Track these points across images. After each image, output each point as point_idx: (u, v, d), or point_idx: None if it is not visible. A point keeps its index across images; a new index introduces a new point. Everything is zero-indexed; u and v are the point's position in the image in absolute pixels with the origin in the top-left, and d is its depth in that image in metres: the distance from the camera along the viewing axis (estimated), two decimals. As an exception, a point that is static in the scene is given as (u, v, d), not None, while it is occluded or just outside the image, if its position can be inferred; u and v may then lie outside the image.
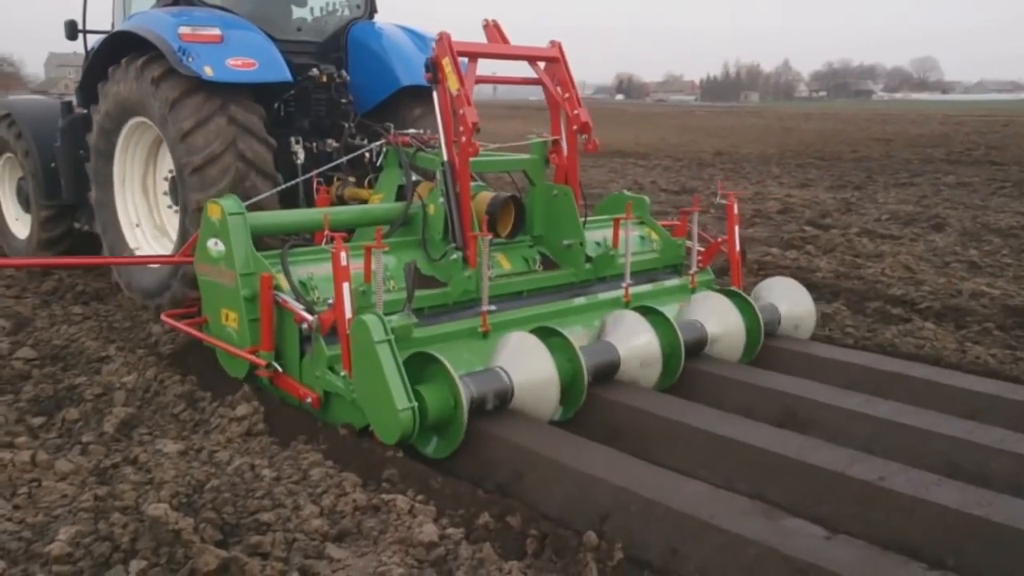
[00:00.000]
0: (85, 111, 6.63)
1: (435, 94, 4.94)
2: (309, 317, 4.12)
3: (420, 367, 3.96)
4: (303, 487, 3.55)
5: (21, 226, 8.03)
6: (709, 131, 37.99)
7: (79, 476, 3.65)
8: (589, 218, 5.61)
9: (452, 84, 4.78)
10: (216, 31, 5.57)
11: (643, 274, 5.74)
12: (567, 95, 5.28)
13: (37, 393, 4.67)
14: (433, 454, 3.93)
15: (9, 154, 7.88)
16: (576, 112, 5.22)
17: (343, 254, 3.91)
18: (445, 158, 4.88)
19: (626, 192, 6.43)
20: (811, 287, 7.29)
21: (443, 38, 4.84)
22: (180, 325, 4.88)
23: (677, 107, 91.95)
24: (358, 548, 3.12)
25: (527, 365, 4.12)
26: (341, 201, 5.93)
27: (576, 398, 4.28)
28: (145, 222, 6.40)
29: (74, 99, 7.05)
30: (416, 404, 3.71)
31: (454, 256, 4.81)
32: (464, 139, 4.75)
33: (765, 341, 5.21)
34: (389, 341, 3.78)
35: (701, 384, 4.76)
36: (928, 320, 6.48)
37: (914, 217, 11.80)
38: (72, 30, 7.18)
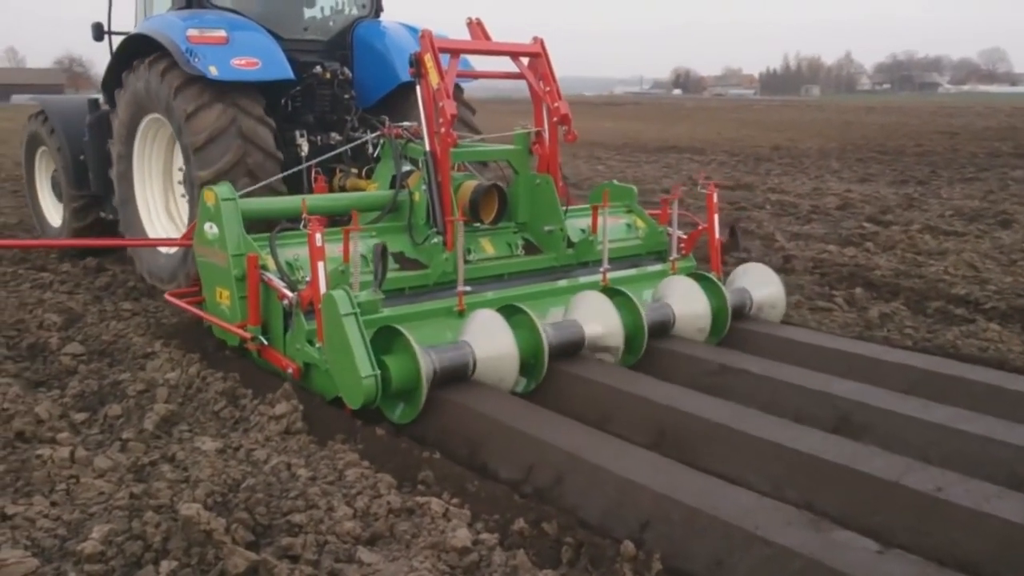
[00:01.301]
0: (109, 108, 7.04)
1: (418, 88, 5.27)
2: (290, 294, 4.46)
3: (388, 340, 4.22)
4: (338, 487, 3.50)
5: (56, 214, 8.61)
6: (767, 125, 37.30)
7: (117, 473, 3.65)
8: (577, 207, 5.98)
9: (433, 79, 5.11)
10: (222, 33, 5.95)
11: (627, 260, 5.98)
12: (548, 88, 5.59)
13: (82, 388, 4.71)
14: (398, 419, 4.19)
15: (44, 148, 8.38)
16: (556, 104, 5.51)
17: (318, 235, 4.26)
18: (427, 148, 5.21)
19: (615, 181, 6.65)
20: (869, 286, 7.10)
21: (425, 35, 5.20)
22: (182, 303, 5.28)
23: (735, 101, 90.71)
24: (389, 552, 3.05)
25: (490, 339, 4.38)
26: (343, 190, 6.33)
27: (538, 371, 4.51)
28: (163, 214, 6.81)
29: (100, 97, 7.41)
30: (379, 372, 3.99)
31: (435, 240, 5.11)
32: (444, 130, 5.07)
33: (738, 324, 5.42)
34: (355, 314, 4.07)
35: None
36: (993, 321, 6.20)
37: (980, 213, 11.36)
38: (99, 32, 7.58)
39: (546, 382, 4.56)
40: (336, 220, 5.52)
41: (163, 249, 6.43)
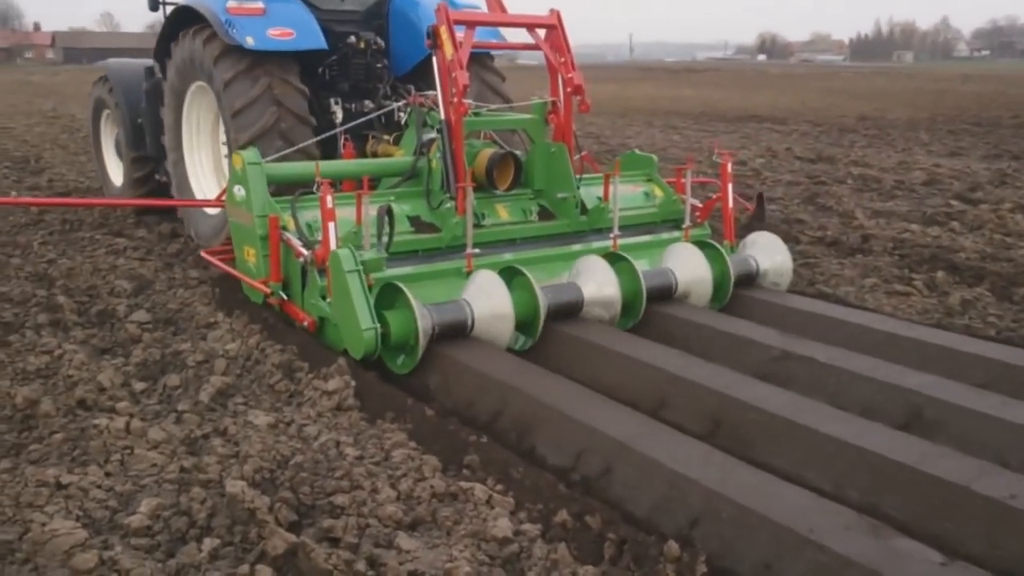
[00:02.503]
0: (161, 76, 7.45)
1: (434, 59, 5.48)
2: (305, 252, 4.76)
3: (391, 297, 4.53)
4: (383, 468, 3.47)
5: (117, 174, 9.14)
6: (854, 94, 35.96)
7: (170, 445, 3.70)
8: (596, 175, 6.17)
9: (448, 50, 5.31)
10: (259, 4, 6.29)
11: (642, 227, 6.13)
12: (563, 60, 5.74)
13: (145, 357, 4.79)
14: (399, 369, 4.52)
15: (108, 111, 8.96)
16: (570, 76, 5.69)
17: (329, 198, 4.59)
18: (442, 116, 5.42)
19: (636, 151, 6.84)
20: (952, 269, 6.75)
21: (441, 8, 5.40)
22: (215, 260, 5.80)
23: (823, 68, 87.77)
24: (430, 539, 3.01)
25: (487, 299, 4.63)
26: (375, 155, 6.63)
27: (533, 330, 4.75)
28: (211, 177, 7.19)
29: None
30: (378, 326, 4.32)
31: (448, 205, 5.33)
32: (457, 99, 5.27)
33: (744, 291, 5.59)
34: (358, 271, 4.41)
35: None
36: (1087, 310, 5.82)
37: (1079, 191, 10.72)
38: (154, 2, 8.01)
39: (599, 365, 4.47)
40: (371, 184, 5.75)
41: (208, 210, 6.77)
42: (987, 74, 58.48)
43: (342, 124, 6.62)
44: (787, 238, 7.92)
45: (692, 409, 4.02)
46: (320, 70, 7.05)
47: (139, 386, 4.41)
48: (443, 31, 5.34)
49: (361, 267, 4.44)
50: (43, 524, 2.97)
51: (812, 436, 3.60)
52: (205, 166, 7.23)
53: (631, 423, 3.70)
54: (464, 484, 3.31)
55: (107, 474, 3.45)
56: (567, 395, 3.96)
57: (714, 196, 6.24)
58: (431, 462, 3.50)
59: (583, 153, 6.23)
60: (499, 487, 3.33)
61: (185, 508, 3.11)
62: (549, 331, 4.82)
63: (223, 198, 5.56)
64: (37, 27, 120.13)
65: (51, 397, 4.13)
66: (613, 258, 5.23)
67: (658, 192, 6.38)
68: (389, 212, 4.77)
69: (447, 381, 4.37)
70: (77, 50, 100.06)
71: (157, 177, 8.18)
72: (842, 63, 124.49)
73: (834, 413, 3.81)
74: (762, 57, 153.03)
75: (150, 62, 7.95)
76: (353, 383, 4.25)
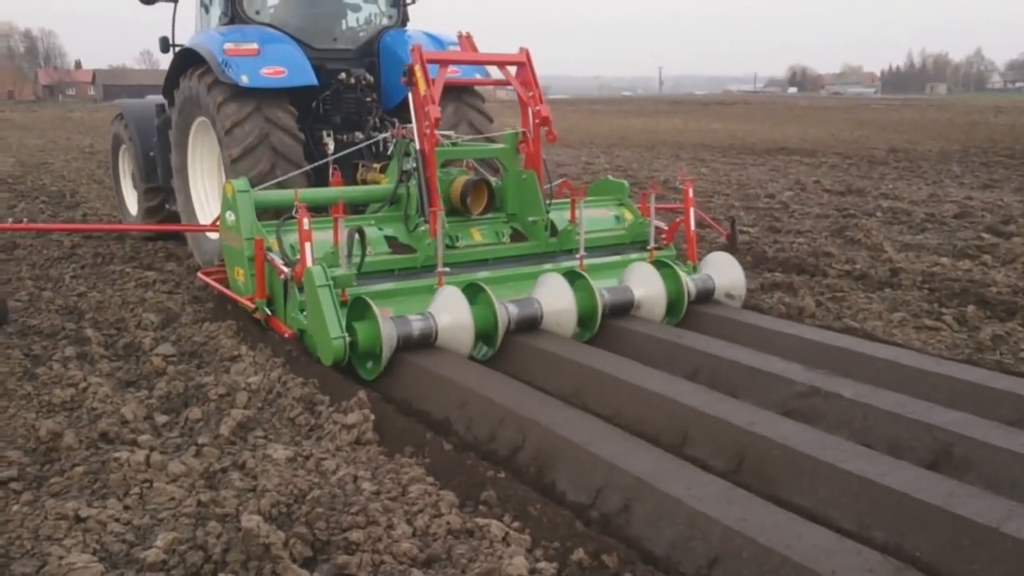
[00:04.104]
0: (170, 112, 7.96)
1: (410, 95, 5.96)
2: (286, 270, 5.25)
3: (361, 310, 4.96)
4: (400, 504, 3.45)
5: (133, 204, 9.82)
6: (885, 126, 35.76)
7: (189, 479, 3.70)
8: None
9: (421, 87, 5.80)
10: (254, 45, 6.84)
11: (611, 248, 6.57)
12: (531, 93, 6.20)
13: (169, 390, 4.83)
14: (367, 375, 4.95)
15: (125, 145, 9.60)
16: (538, 108, 6.14)
17: (305, 220, 5.07)
18: (417, 147, 5.86)
19: (610, 177, 7.34)
20: (983, 303, 6.62)
21: (415, 49, 5.92)
22: (211, 280, 6.38)
23: (853, 100, 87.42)
24: (444, 576, 2.97)
25: (450, 312, 5.07)
26: (364, 183, 7.12)
27: (494, 340, 5.17)
28: (214, 203, 7.52)
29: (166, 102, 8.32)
30: (346, 336, 4.81)
31: (422, 228, 5.76)
32: (429, 131, 5.76)
33: (700, 308, 5.99)
34: (328, 286, 4.88)
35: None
36: (1124, 346, 5.68)
37: (1116, 224, 10.51)
38: (165, 45, 8.62)
39: (626, 400, 4.43)
40: (360, 209, 6.52)
41: (210, 235, 7.18)
42: (1021, 106, 57.86)
43: (333, 154, 7.21)
44: (815, 272, 7.86)
45: (714, 445, 3.96)
46: (314, 104, 7.61)
47: (161, 419, 4.44)
48: (417, 70, 5.82)
49: (332, 282, 4.91)
50: (60, 558, 2.99)
51: (837, 474, 3.52)
52: (208, 195, 7.78)
53: (651, 459, 3.65)
54: (480, 521, 3.27)
55: (126, 507, 3.46)
56: (587, 428, 3.92)
57: (678, 219, 6.72)
58: (448, 498, 3.47)
59: (562, 180, 6.98)
60: (516, 524, 3.29)
61: (201, 542, 3.10)
62: (577, 366, 4.83)
63: (217, 223, 6.05)
64: (78, 65, 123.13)
65: (74, 430, 4.17)
66: (574, 276, 5.61)
67: (628, 215, 6.83)
68: (360, 233, 5.28)
69: (466, 413, 4.35)
70: (117, 87, 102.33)
71: (168, 207, 8.69)
72: (873, 95, 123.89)
73: (860, 450, 3.73)
74: (793, 90, 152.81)
75: (162, 100, 8.46)
76: (372, 417, 4.24)
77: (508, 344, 5.24)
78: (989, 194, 13.86)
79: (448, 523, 3.27)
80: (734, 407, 4.20)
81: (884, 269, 7.88)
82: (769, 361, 4.90)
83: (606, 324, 5.60)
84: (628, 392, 4.49)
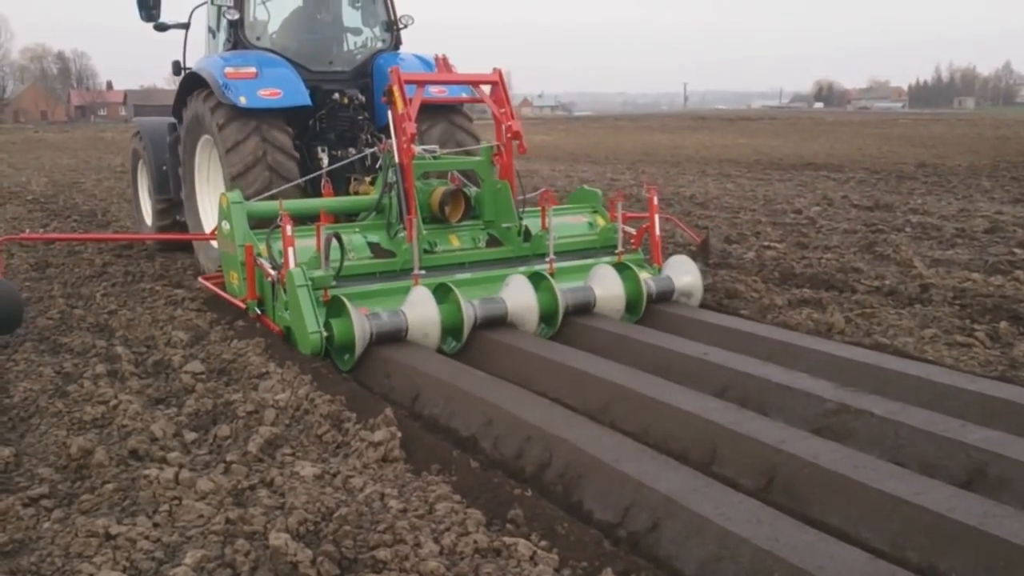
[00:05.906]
0: (179, 131, 8.57)
1: (389, 113, 6.52)
2: (273, 273, 5.83)
3: (339, 307, 5.47)
4: (427, 522, 3.44)
5: (149, 215, 10.35)
6: (913, 140, 35.44)
7: (217, 496, 3.72)
8: (558, 207, 7.27)
9: (399, 105, 6.36)
10: (252, 69, 7.43)
11: (582, 252, 7.07)
12: (503, 110, 6.74)
13: (198, 408, 4.86)
14: (344, 366, 5.49)
15: (141, 160, 10.14)
16: (510, 123, 6.68)
17: (288, 227, 5.63)
18: (396, 160, 6.41)
19: (585, 186, 7.97)
20: (1016, 319, 6.53)
21: (393, 71, 6.51)
22: (210, 285, 7.03)
23: (880, 115, 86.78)
24: (471, 596, 2.96)
25: (418, 309, 5.62)
26: (356, 194, 7.61)
27: (460, 335, 5.70)
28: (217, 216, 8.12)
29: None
30: (322, 331, 5.41)
31: (401, 234, 6.31)
32: (406, 146, 6.32)
33: (660, 307, 6.51)
34: (307, 286, 5.50)
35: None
36: None
37: None
38: (177, 68, 9.15)
39: (654, 421, 4.40)
40: (350, 218, 7.14)
41: (213, 243, 7.51)
42: (1052, 118, 57.15)
43: (327, 168, 7.85)
44: (843, 288, 7.79)
45: (744, 463, 3.92)
46: (311, 122, 8.21)
47: (190, 436, 4.46)
48: (395, 89, 6.36)
49: (311, 283, 5.51)
50: (91, 575, 3.00)
51: (869, 493, 3.48)
52: (213, 207, 7.98)
53: (680, 477, 3.62)
54: (508, 540, 3.25)
55: (155, 525, 3.48)
56: (614, 446, 3.90)
57: (644, 226, 7.25)
58: (475, 516, 3.46)
59: (544, 190, 7.53)
60: (543, 543, 3.27)
61: (229, 560, 3.11)
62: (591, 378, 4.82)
63: (215, 231, 6.63)
64: (110, 86, 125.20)
65: (105, 447, 4.20)
66: (539, 278, 6.12)
67: (600, 222, 7.36)
68: (338, 239, 5.86)
69: (493, 431, 4.34)
70: (147, 107, 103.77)
71: (178, 218, 9.34)
72: (901, 110, 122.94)
73: (892, 469, 3.69)
74: (819, 105, 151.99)
75: (173, 119, 8.99)
76: (399, 434, 4.24)
77: (474, 338, 5.80)
78: (1020, 208, 13.67)
79: (475, 542, 3.25)
80: (763, 425, 4.16)
81: (914, 285, 7.79)
82: (798, 378, 4.85)
83: (569, 320, 6.12)
84: (653, 407, 4.47)
